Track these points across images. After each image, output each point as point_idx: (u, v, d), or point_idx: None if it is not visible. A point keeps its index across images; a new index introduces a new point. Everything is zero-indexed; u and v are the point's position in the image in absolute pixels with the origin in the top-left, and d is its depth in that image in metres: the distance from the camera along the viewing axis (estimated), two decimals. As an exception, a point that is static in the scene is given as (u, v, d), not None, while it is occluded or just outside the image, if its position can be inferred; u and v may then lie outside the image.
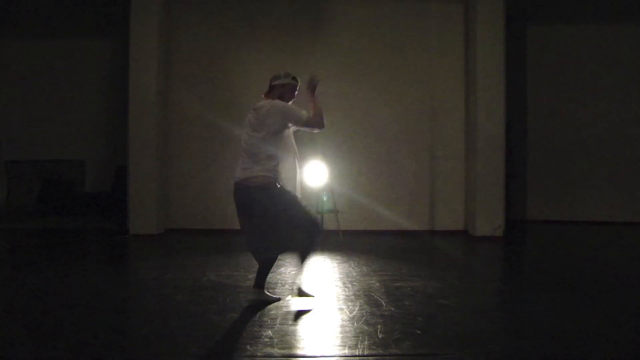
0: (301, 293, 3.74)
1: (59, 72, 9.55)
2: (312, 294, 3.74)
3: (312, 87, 3.71)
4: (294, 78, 3.77)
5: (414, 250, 6.23)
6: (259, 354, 2.70)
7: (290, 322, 3.23)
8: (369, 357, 2.67)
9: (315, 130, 3.68)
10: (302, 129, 3.66)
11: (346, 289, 4.09)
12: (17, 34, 9.59)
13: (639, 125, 8.47)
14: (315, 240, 3.57)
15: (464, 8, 7.42)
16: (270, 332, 3.02)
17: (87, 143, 9.51)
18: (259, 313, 3.41)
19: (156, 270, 5.04)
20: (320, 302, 3.75)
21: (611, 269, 5.22)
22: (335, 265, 5.08)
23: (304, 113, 3.59)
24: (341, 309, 3.52)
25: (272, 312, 3.43)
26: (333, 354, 2.71)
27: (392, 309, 3.52)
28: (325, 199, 6.64)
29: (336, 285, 4.22)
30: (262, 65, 7.51)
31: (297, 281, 3.85)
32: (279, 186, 3.51)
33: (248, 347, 2.79)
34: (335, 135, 6.85)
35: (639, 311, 3.61)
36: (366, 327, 3.10)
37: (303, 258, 3.60)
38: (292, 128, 3.66)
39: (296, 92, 3.76)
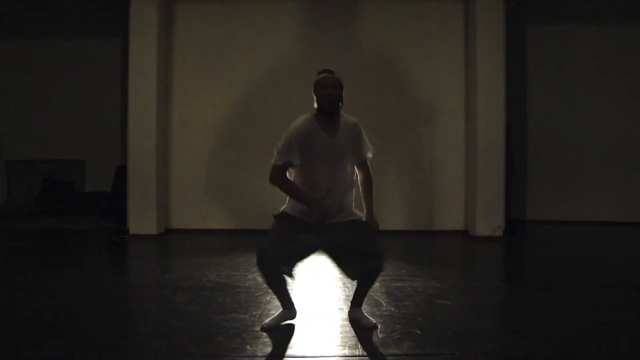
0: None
1: (59, 72, 9.55)
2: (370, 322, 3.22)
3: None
4: (318, 74, 3.10)
5: (414, 250, 6.23)
6: (259, 354, 2.70)
7: (290, 322, 3.23)
8: (369, 357, 2.67)
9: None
10: None
11: (346, 289, 4.08)
12: (17, 34, 9.59)
13: (639, 125, 8.47)
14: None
15: (464, 8, 7.41)
16: (270, 332, 3.02)
17: (87, 143, 9.51)
18: (259, 313, 3.41)
19: (156, 270, 5.05)
20: (320, 302, 3.75)
21: (611, 269, 5.22)
22: (335, 265, 5.07)
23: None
24: (341, 309, 3.52)
25: (272, 312, 3.43)
26: (333, 354, 2.71)
27: (392, 309, 3.53)
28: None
29: (336, 286, 4.22)
30: (263, 64, 7.52)
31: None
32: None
33: (248, 347, 2.79)
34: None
35: (639, 311, 3.62)
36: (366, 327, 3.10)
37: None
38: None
39: (325, 86, 3.02)
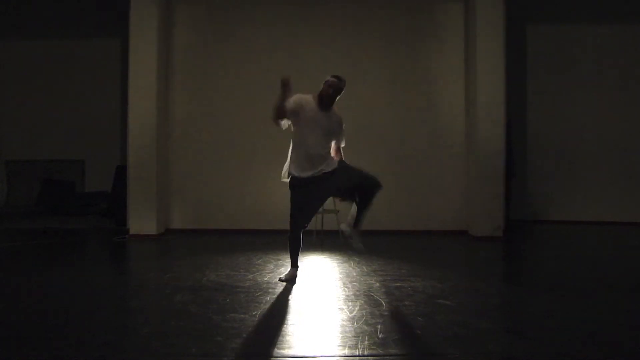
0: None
1: (59, 71, 9.56)
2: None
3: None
4: (331, 76, 4.22)
5: (414, 250, 6.23)
6: (259, 354, 2.70)
7: (290, 322, 3.23)
8: (369, 357, 2.67)
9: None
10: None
11: (346, 289, 4.09)
12: (18, 34, 9.59)
13: (639, 125, 8.47)
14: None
15: (464, 8, 7.41)
16: (270, 332, 3.02)
17: (87, 143, 9.52)
18: (258, 313, 3.41)
19: (156, 270, 5.05)
20: (320, 302, 3.75)
21: (611, 269, 5.22)
22: (335, 265, 5.08)
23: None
24: (341, 309, 3.52)
25: (272, 312, 3.43)
26: (333, 354, 2.71)
27: (392, 309, 3.52)
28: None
29: (336, 285, 4.22)
30: (263, 64, 7.52)
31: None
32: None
33: (248, 347, 2.79)
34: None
35: (639, 311, 3.62)
36: (366, 327, 3.10)
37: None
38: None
39: (329, 88, 4.17)
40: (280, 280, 4.29)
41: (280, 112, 4.11)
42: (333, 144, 4.30)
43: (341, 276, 4.56)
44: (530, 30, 8.78)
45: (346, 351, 2.74)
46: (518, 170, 8.34)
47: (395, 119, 7.46)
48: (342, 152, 4.39)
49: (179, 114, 7.54)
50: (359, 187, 4.14)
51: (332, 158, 4.27)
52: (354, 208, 4.27)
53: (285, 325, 3.16)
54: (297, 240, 4.29)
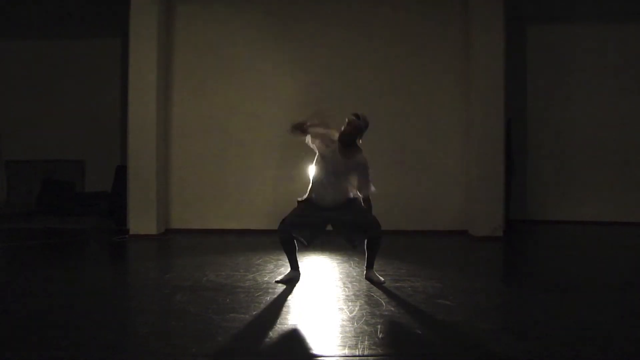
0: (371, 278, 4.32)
1: (58, 71, 9.56)
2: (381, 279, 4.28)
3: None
4: (352, 114, 4.26)
5: (414, 250, 6.23)
6: (259, 354, 2.70)
7: (290, 322, 3.24)
8: (369, 357, 2.67)
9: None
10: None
11: (346, 289, 4.09)
12: (18, 34, 9.59)
13: (639, 125, 8.47)
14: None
15: (464, 8, 7.41)
16: (270, 332, 3.03)
17: (87, 143, 9.52)
18: (258, 313, 3.41)
19: (156, 270, 5.05)
20: (320, 302, 3.75)
21: (611, 269, 5.22)
22: (335, 265, 5.08)
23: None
24: (341, 309, 3.52)
25: (272, 312, 3.44)
26: (333, 354, 2.71)
27: (392, 309, 3.52)
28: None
29: (336, 285, 4.22)
30: (263, 64, 7.52)
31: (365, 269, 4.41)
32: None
33: (248, 347, 2.79)
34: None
35: (639, 311, 3.62)
36: (366, 327, 3.10)
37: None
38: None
39: (349, 126, 4.20)
40: (277, 282, 4.26)
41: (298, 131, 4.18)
42: (357, 190, 4.22)
43: (341, 276, 4.56)
44: (530, 30, 8.78)
45: (346, 351, 2.74)
46: (518, 170, 8.33)
47: (395, 118, 7.45)
48: (370, 201, 4.23)
49: (179, 114, 7.53)
50: (364, 227, 4.13)
51: (349, 193, 4.20)
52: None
53: (285, 326, 3.16)
54: (286, 243, 4.20)
